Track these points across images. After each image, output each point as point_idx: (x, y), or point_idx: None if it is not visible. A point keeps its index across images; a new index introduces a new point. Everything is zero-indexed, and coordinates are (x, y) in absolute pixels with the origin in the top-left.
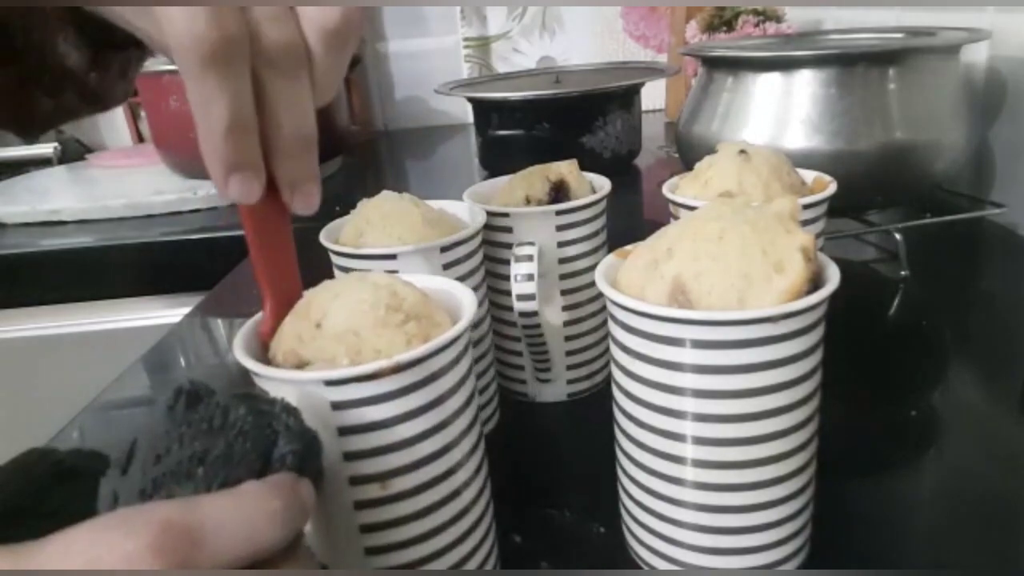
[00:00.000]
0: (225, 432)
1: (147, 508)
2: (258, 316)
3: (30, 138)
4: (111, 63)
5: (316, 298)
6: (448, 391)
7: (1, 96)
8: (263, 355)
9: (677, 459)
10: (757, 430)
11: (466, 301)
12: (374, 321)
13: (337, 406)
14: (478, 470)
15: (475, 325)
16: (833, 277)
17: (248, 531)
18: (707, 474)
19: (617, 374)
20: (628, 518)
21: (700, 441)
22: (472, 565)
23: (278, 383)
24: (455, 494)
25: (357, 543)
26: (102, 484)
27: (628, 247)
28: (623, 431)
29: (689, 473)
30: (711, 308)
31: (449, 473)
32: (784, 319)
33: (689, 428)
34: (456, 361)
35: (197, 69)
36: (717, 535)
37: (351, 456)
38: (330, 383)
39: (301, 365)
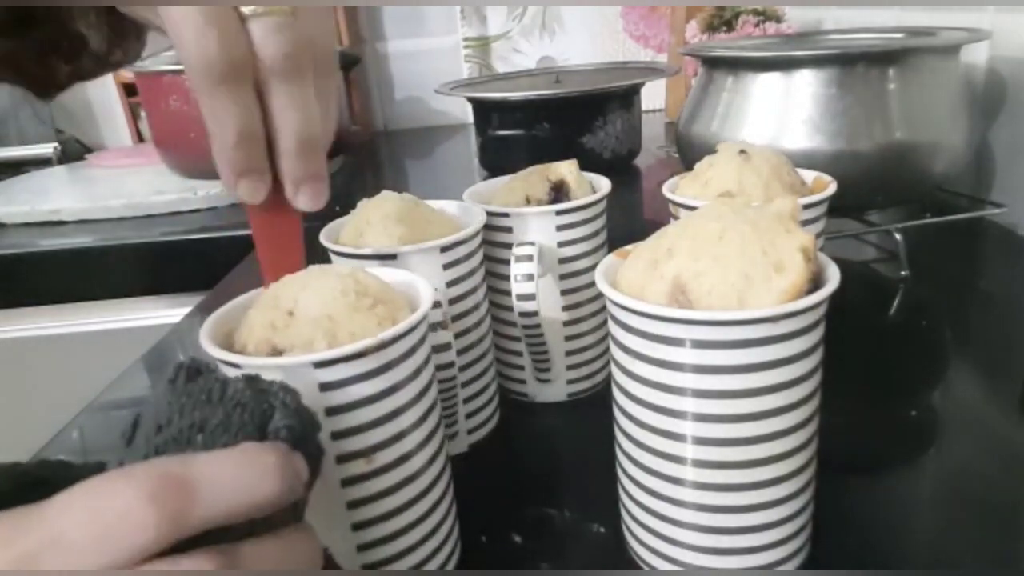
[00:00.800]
0: (224, 403)
1: (148, 463)
2: (219, 312)
3: (47, 99)
4: (128, 32)
5: (282, 290)
6: (421, 364)
7: (21, 60)
8: (229, 351)
9: (677, 459)
10: (757, 430)
11: (422, 288)
12: (346, 306)
13: (325, 387)
14: (441, 442)
15: (475, 325)
16: (833, 277)
17: (243, 483)
18: (707, 474)
19: (617, 374)
20: (628, 518)
21: (700, 441)
22: (445, 527)
23: (265, 370)
24: (431, 461)
25: (345, 520)
26: (109, 458)
27: (628, 247)
28: (623, 431)
29: (689, 473)
30: (711, 308)
31: (426, 441)
32: (784, 319)
33: (689, 428)
34: (423, 340)
35: (208, 88)
36: (717, 535)
37: (338, 435)
38: (319, 364)
39: (275, 353)
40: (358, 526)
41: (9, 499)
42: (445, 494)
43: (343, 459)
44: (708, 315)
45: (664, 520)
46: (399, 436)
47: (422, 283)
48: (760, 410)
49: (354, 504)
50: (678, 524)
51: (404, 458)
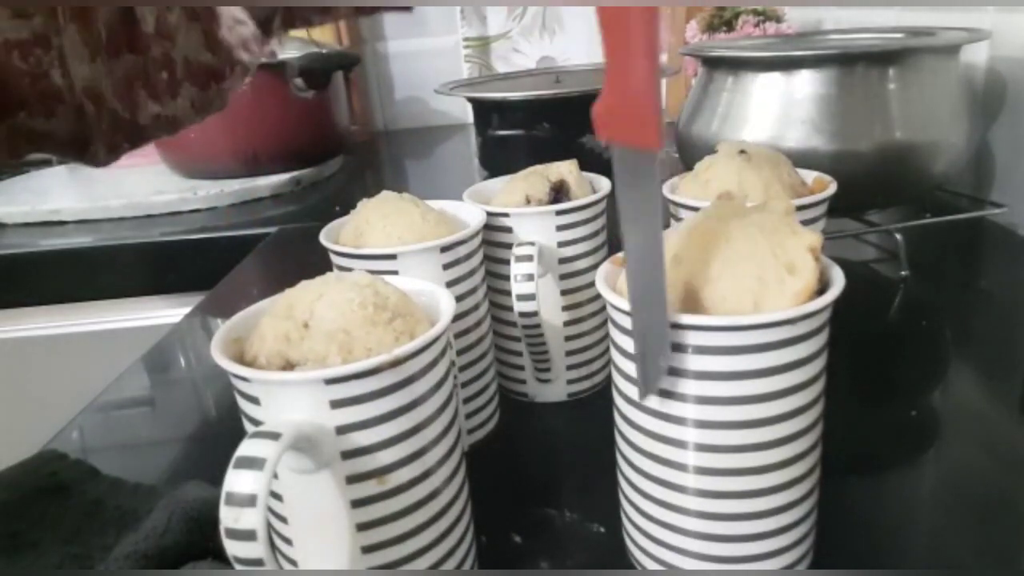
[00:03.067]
0: None
1: None
2: (233, 320)
3: (97, 164)
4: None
5: (298, 299)
6: (442, 377)
7: (98, 95)
8: (239, 359)
9: (680, 466)
10: (771, 435)
11: (443, 299)
12: (363, 319)
13: (336, 404)
14: (461, 459)
15: (475, 325)
16: (838, 276)
17: None
18: (712, 481)
19: (620, 382)
20: (631, 527)
21: (706, 448)
22: (461, 551)
23: (273, 386)
24: (451, 478)
25: (354, 543)
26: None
27: (622, 254)
28: (625, 438)
29: (692, 480)
30: (727, 313)
31: (446, 457)
32: (803, 320)
33: (695, 436)
34: (443, 353)
35: None
36: (722, 543)
37: (348, 454)
38: (330, 381)
39: (288, 366)
40: (368, 549)
41: (26, 504)
42: (463, 514)
43: (353, 479)
44: (731, 320)
45: (667, 528)
46: (419, 453)
47: (442, 293)
48: (774, 414)
49: (364, 526)
50: (681, 532)
51: (423, 476)
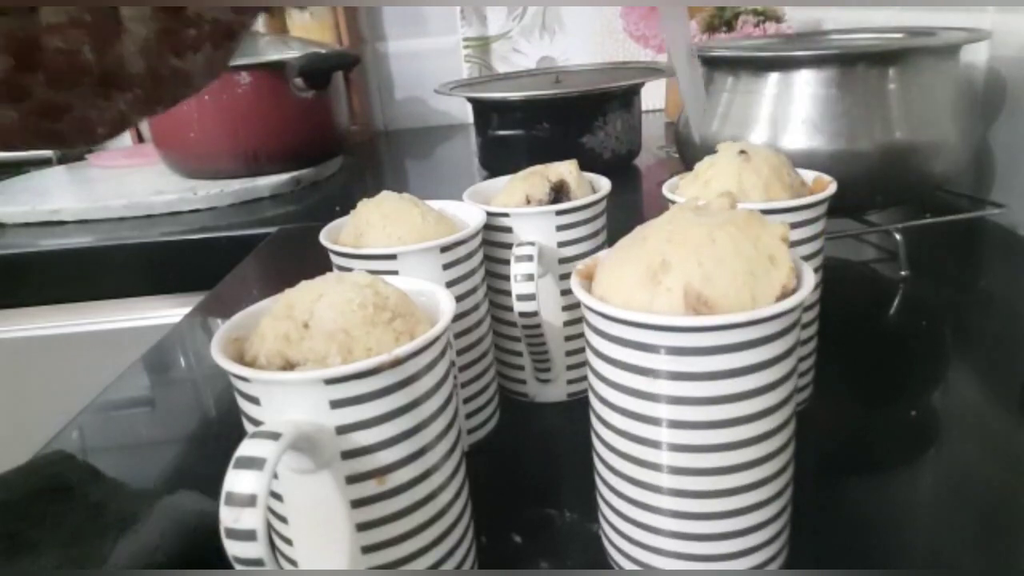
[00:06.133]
0: None
1: None
2: (232, 320)
3: (83, 145)
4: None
5: (298, 299)
6: (442, 377)
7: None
8: (239, 359)
9: (654, 466)
10: (741, 434)
11: (443, 299)
12: (363, 319)
13: (336, 404)
14: (461, 459)
15: (475, 325)
16: (806, 269)
17: None
18: (686, 481)
19: (595, 382)
20: (608, 527)
21: (683, 448)
22: (461, 551)
23: (273, 386)
24: (451, 477)
25: (354, 543)
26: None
27: (580, 266)
28: (600, 438)
29: (666, 480)
30: (731, 311)
31: (447, 456)
32: (798, 308)
33: (668, 436)
34: (443, 353)
35: None
36: (696, 542)
37: (348, 454)
38: (330, 381)
39: (287, 366)
40: (368, 549)
41: (27, 504)
42: (463, 514)
43: (353, 479)
44: (730, 319)
45: (642, 528)
46: (419, 453)
47: (442, 293)
48: (761, 408)
49: (364, 526)
50: (656, 531)
51: (423, 476)
